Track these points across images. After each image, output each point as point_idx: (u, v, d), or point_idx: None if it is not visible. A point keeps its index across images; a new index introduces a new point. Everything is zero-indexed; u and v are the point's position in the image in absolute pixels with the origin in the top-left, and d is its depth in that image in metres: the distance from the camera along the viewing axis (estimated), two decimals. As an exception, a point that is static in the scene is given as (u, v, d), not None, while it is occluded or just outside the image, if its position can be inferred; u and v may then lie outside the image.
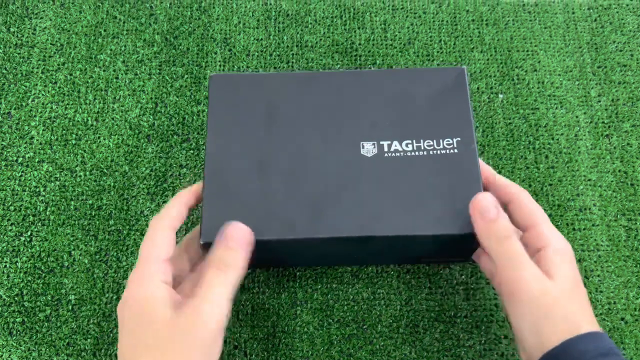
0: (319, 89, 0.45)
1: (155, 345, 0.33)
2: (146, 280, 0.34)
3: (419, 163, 0.42)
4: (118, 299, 0.53)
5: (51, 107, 0.59)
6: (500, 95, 0.62)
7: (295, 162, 0.42)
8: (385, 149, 0.43)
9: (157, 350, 0.32)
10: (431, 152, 0.43)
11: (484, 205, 0.39)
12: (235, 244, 0.36)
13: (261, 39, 0.64)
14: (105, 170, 0.57)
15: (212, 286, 0.34)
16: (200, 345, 0.32)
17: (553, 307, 0.37)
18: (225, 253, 0.36)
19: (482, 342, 0.52)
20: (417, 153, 0.43)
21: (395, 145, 0.43)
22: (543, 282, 0.38)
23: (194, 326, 0.32)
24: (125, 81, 0.61)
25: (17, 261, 0.53)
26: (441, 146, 0.43)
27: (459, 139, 0.43)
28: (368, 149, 0.42)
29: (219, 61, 0.63)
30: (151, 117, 0.59)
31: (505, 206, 0.44)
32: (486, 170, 0.45)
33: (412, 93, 0.45)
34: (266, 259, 0.50)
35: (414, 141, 0.43)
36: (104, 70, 0.61)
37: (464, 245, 0.46)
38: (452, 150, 0.43)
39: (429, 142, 0.43)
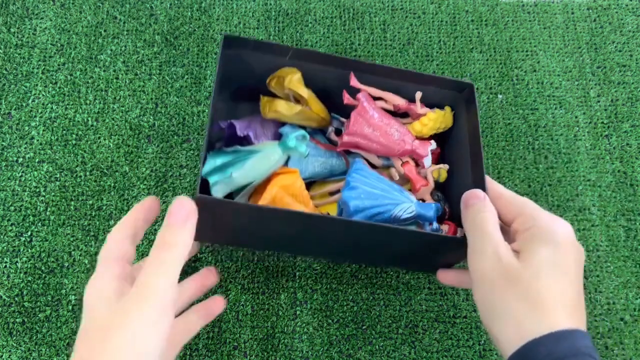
0: None
1: (93, 334, 0.33)
2: (96, 279, 0.34)
3: None
4: (118, 299, 0.53)
5: (51, 108, 0.59)
6: (500, 96, 0.62)
7: None
8: None
9: (94, 338, 0.32)
10: None
11: (469, 194, 0.39)
12: (174, 220, 0.34)
13: (261, 39, 0.64)
14: (106, 171, 0.57)
15: (151, 267, 0.33)
16: (139, 325, 0.31)
17: (511, 291, 0.32)
18: (164, 231, 0.34)
19: (482, 342, 0.52)
20: None
21: None
22: (502, 260, 0.33)
23: (131, 309, 0.31)
24: (126, 81, 0.61)
25: (17, 261, 0.53)
26: None
27: None
28: None
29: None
30: (151, 117, 0.59)
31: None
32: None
33: None
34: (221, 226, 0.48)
35: None
36: (104, 71, 0.61)
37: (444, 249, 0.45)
38: None
39: None
